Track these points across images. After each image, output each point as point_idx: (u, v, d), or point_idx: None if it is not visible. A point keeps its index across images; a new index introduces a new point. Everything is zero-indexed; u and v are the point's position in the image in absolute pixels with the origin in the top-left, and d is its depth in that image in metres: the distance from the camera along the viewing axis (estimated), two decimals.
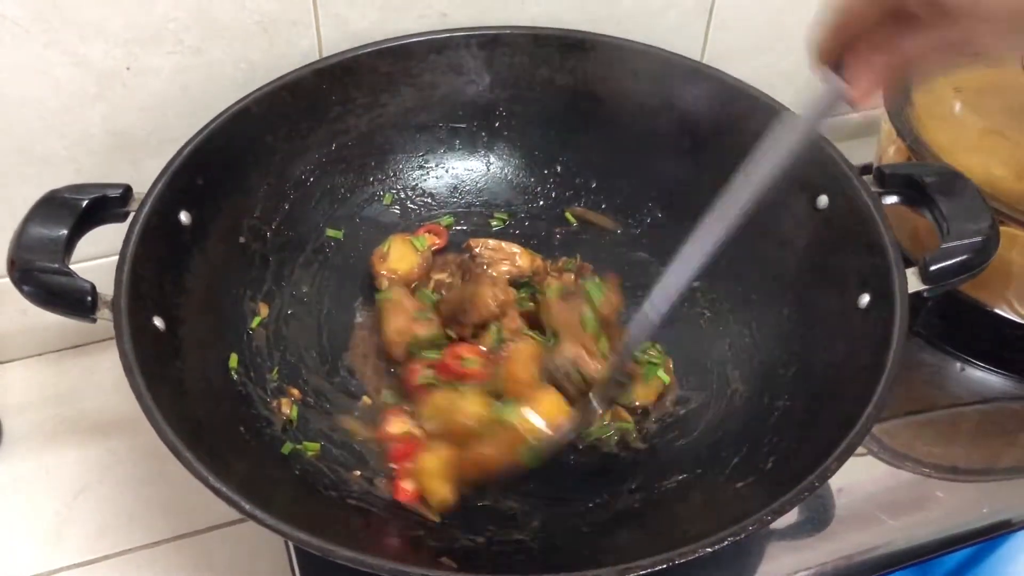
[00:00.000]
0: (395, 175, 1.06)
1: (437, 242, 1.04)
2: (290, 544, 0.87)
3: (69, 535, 0.94)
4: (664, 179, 1.03)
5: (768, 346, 0.92)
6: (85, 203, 0.79)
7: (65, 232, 0.77)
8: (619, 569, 0.63)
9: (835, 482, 0.80)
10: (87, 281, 0.76)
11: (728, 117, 0.97)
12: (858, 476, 0.95)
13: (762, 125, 0.94)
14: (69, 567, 0.92)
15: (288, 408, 0.89)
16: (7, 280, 0.98)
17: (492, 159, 1.08)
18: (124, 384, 1.04)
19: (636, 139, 1.01)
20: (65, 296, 0.75)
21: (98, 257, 0.94)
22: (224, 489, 0.66)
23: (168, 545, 0.93)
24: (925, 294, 0.81)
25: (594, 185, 1.07)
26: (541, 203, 1.07)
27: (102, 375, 1.08)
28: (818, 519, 0.92)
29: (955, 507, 0.93)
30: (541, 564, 0.77)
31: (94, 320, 0.76)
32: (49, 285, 0.75)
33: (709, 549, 0.65)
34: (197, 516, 0.95)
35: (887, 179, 0.87)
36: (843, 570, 0.88)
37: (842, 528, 0.91)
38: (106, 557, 0.93)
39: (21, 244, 0.76)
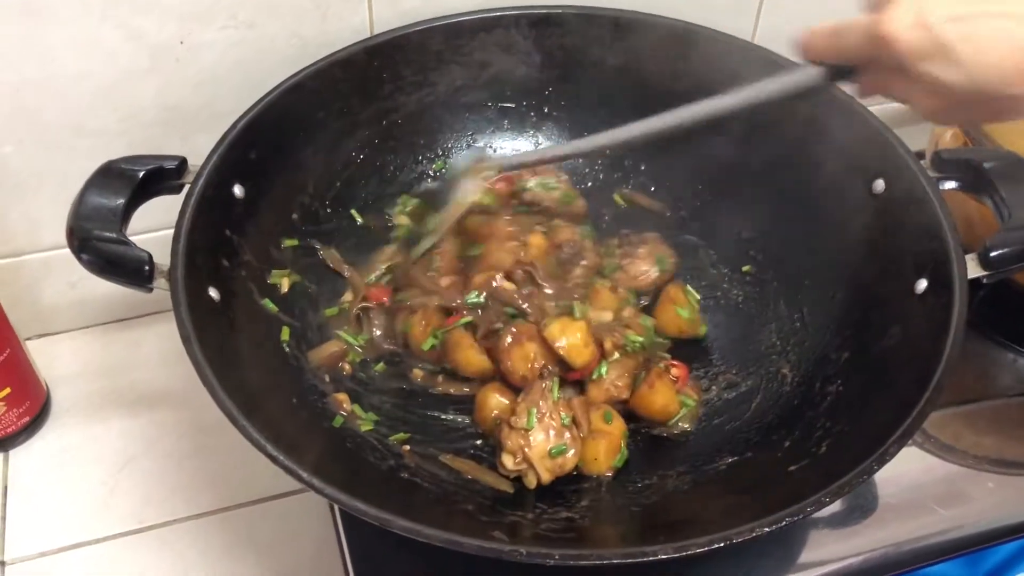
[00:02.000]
0: (444, 154, 1.06)
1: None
2: (337, 518, 0.88)
3: (115, 505, 0.95)
4: (714, 162, 1.01)
5: (819, 331, 0.91)
6: (142, 174, 0.80)
7: (122, 202, 0.77)
8: (676, 546, 0.63)
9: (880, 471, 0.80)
10: (144, 250, 0.76)
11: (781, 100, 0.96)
12: (904, 466, 0.93)
13: (816, 108, 0.94)
14: (115, 536, 0.93)
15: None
16: (56, 253, 1.01)
17: (541, 139, 1.08)
18: (170, 357, 1.06)
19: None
20: (123, 265, 0.75)
21: (149, 231, 0.95)
22: (282, 458, 0.66)
23: (213, 517, 0.95)
24: (984, 280, 0.80)
25: (643, 168, 1.06)
26: (589, 184, 1.07)
27: (148, 348, 1.09)
28: (863, 508, 0.91)
29: (1005, 499, 0.92)
30: (591, 541, 0.77)
31: (150, 289, 0.77)
32: (107, 254, 0.75)
33: (767, 528, 0.64)
34: (241, 489, 0.96)
35: (945, 164, 0.86)
36: (892, 558, 0.87)
37: (889, 517, 0.90)
38: (151, 527, 0.94)
39: (80, 213, 0.76)
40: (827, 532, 0.89)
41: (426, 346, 0.91)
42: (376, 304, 0.95)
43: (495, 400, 0.87)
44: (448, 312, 0.92)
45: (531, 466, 0.80)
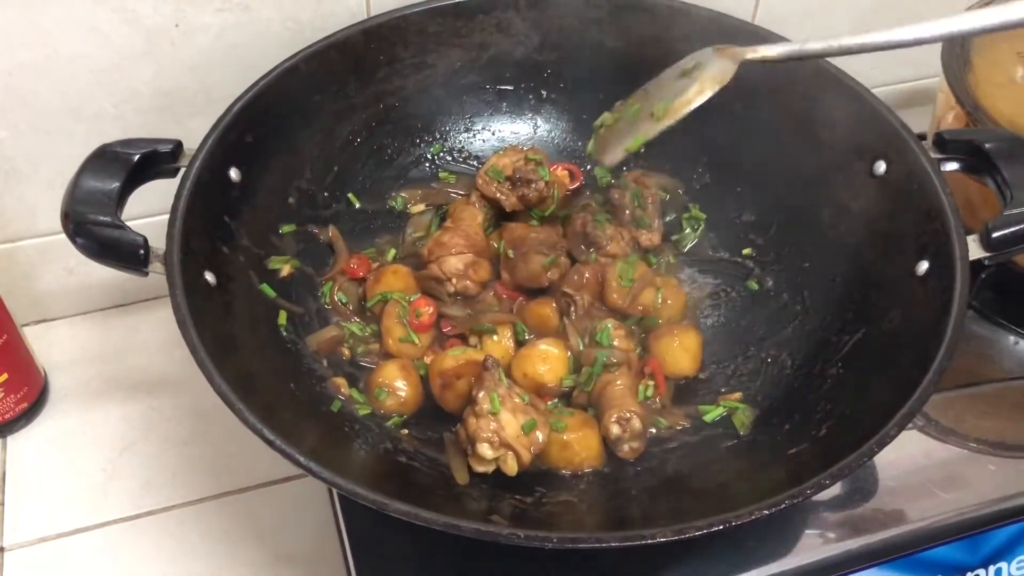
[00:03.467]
0: (442, 137, 1.05)
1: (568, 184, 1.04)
2: (336, 502, 0.88)
3: (114, 491, 0.95)
4: (715, 143, 1.01)
5: (820, 314, 0.91)
6: (136, 157, 0.79)
7: (117, 185, 0.77)
8: (675, 529, 0.63)
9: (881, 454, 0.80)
10: (139, 234, 0.75)
11: (781, 80, 0.95)
12: (905, 449, 0.93)
13: (815, 88, 0.94)
14: (114, 521, 0.93)
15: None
16: (53, 239, 1.00)
17: (539, 122, 1.07)
18: (168, 343, 1.06)
19: None
20: (118, 249, 0.75)
21: (144, 216, 0.94)
22: (279, 442, 0.66)
23: (212, 502, 0.95)
24: (986, 261, 0.79)
25: (642, 151, 1.04)
26: (588, 167, 1.06)
27: (146, 334, 1.09)
28: (863, 491, 0.90)
29: (1006, 481, 0.91)
30: (591, 524, 0.77)
31: (146, 273, 0.76)
32: (102, 238, 0.75)
33: (767, 511, 0.64)
34: (240, 475, 0.96)
35: (948, 145, 0.85)
36: (892, 541, 0.87)
37: (890, 500, 0.89)
38: (150, 513, 0.94)
39: (75, 197, 0.76)
40: (827, 515, 0.89)
41: (370, 301, 0.92)
42: (351, 277, 0.95)
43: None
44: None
45: (509, 447, 0.78)
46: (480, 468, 0.79)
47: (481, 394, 0.79)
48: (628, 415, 0.83)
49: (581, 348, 0.89)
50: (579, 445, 0.82)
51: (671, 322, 0.94)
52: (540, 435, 0.80)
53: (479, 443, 0.77)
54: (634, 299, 0.92)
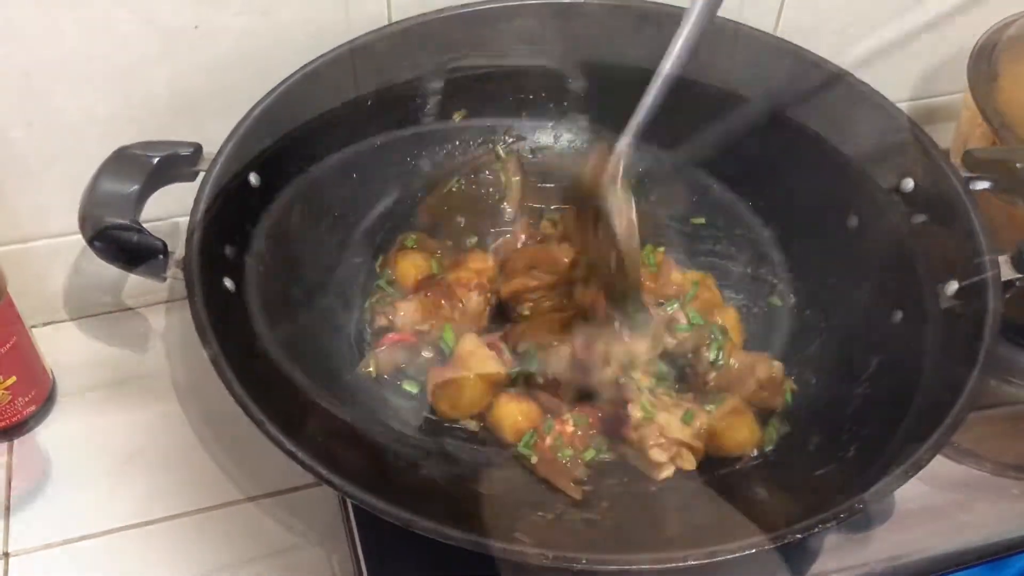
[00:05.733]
0: (461, 145, 1.04)
1: None
2: (350, 514, 0.86)
3: (121, 497, 0.94)
4: (736, 159, 1.00)
5: (846, 333, 0.90)
6: (156, 160, 0.78)
7: (137, 188, 0.76)
8: (706, 552, 0.61)
9: None
10: (159, 239, 0.74)
11: (807, 94, 0.94)
12: (924, 470, 0.91)
13: (841, 103, 0.93)
14: (121, 529, 0.91)
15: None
16: (64, 239, 0.99)
17: (561, 131, 1.06)
18: (178, 348, 1.05)
19: (710, 115, 0.99)
20: (138, 253, 0.74)
21: (158, 219, 0.93)
22: (299, 453, 0.64)
23: (221, 511, 0.93)
24: (1018, 283, 0.78)
25: (664, 160, 1.04)
26: None
27: (157, 338, 1.07)
28: (881, 513, 0.89)
29: None
30: (614, 543, 0.76)
31: (165, 279, 0.75)
32: (121, 242, 0.74)
33: (800, 535, 0.63)
34: (250, 483, 0.94)
35: (977, 164, 0.84)
36: (910, 566, 0.85)
37: (908, 522, 0.88)
38: (158, 520, 0.92)
39: (93, 200, 0.75)
40: (843, 537, 0.87)
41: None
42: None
43: (514, 407, 0.85)
44: None
45: (680, 444, 0.78)
46: (664, 474, 0.79)
47: (631, 405, 0.79)
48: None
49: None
50: (740, 423, 0.83)
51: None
52: (702, 420, 0.80)
53: (650, 451, 0.78)
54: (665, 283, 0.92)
